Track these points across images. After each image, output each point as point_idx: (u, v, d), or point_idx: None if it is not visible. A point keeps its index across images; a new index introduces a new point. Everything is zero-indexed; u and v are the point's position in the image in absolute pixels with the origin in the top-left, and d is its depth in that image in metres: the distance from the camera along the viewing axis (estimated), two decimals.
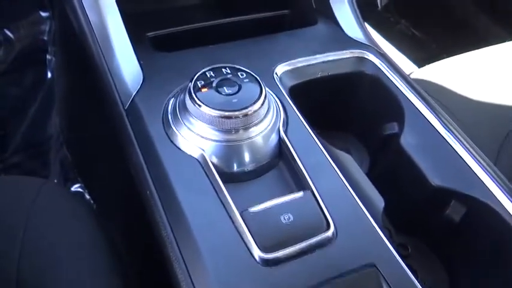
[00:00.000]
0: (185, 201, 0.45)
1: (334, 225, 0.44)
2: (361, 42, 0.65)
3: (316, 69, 0.60)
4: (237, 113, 0.46)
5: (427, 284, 0.53)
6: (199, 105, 0.46)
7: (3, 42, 1.08)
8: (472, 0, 1.37)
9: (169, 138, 0.49)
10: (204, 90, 0.48)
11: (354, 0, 0.71)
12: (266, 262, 0.41)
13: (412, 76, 0.83)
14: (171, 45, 0.60)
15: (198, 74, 0.50)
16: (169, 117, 0.50)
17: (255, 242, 0.42)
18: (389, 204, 0.52)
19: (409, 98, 0.59)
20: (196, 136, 0.48)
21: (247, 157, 0.48)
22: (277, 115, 0.51)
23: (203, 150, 0.47)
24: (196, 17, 0.70)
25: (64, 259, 0.54)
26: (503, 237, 0.49)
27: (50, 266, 0.53)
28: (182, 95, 0.49)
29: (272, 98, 0.52)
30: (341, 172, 0.48)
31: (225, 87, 0.48)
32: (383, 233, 0.46)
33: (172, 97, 0.52)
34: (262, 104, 0.47)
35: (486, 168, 0.53)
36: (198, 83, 0.49)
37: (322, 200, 0.45)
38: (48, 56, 1.09)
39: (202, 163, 0.47)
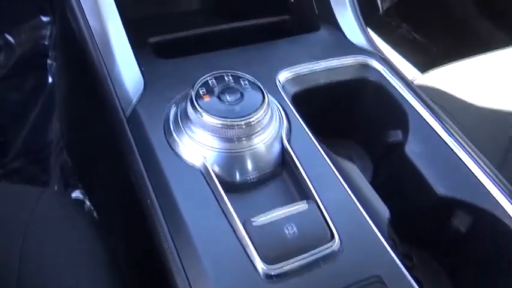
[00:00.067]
0: (186, 210, 0.45)
1: (339, 236, 0.43)
2: (364, 49, 0.64)
3: (319, 76, 0.59)
4: (239, 122, 0.45)
5: None
6: (201, 114, 0.46)
7: (3, 46, 1.08)
8: (474, 4, 1.37)
9: (170, 146, 0.48)
10: (206, 98, 0.47)
11: (357, 5, 0.70)
12: (269, 275, 0.40)
13: (415, 82, 0.83)
14: (172, 51, 0.60)
15: (200, 81, 0.49)
16: (171, 125, 0.49)
17: (258, 254, 0.41)
18: (393, 214, 0.51)
19: (413, 105, 0.58)
20: (197, 144, 0.47)
21: (249, 166, 0.47)
22: (280, 123, 0.50)
23: (205, 158, 0.46)
24: (198, 23, 0.69)
25: (63, 268, 0.53)
26: (510, 248, 0.48)
27: (49, 274, 0.53)
28: (184, 103, 0.49)
29: (275, 105, 0.51)
30: (345, 181, 0.48)
31: (227, 95, 0.48)
32: (388, 243, 0.45)
33: (173, 104, 0.51)
34: (265, 113, 0.47)
35: (492, 177, 0.52)
36: (199, 90, 0.48)
37: (326, 211, 0.45)
38: (48, 61, 1.09)
39: (204, 172, 0.46)
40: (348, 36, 0.66)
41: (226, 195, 0.45)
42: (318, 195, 0.45)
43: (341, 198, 0.46)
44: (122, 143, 0.51)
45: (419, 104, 0.58)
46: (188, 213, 0.44)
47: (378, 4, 1.36)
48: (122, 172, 0.53)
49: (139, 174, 0.49)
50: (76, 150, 0.88)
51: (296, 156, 0.48)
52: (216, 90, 0.48)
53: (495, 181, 0.51)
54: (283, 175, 0.49)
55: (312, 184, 0.46)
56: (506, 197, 0.50)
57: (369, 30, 0.71)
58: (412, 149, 0.55)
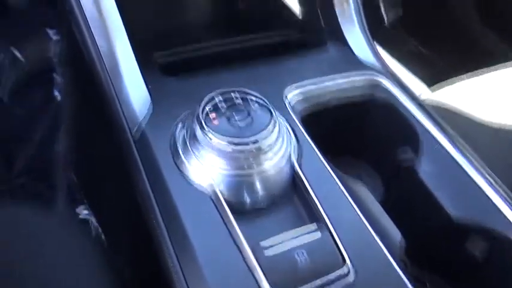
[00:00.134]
0: (194, 233, 0.44)
1: (350, 260, 0.42)
2: (373, 66, 0.64)
3: (328, 95, 0.59)
4: (248, 147, 0.44)
5: None
6: (210, 137, 0.45)
7: (11, 62, 1.08)
8: (480, 18, 1.36)
9: (177, 167, 0.48)
10: (213, 118, 0.47)
11: (364, 21, 0.70)
12: None
13: (424, 97, 0.82)
14: (179, 67, 0.60)
15: (207, 98, 0.48)
16: (178, 146, 0.49)
17: (267, 280, 0.40)
18: (405, 235, 0.50)
19: (424, 124, 0.57)
20: (205, 167, 0.46)
21: (258, 189, 0.46)
22: (288, 144, 0.49)
23: (213, 181, 0.46)
24: (204, 37, 0.69)
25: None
26: None
27: None
28: (191, 123, 0.48)
29: (284, 126, 0.51)
30: (356, 204, 0.47)
31: (235, 115, 0.47)
32: (400, 267, 0.44)
33: (181, 123, 0.51)
34: (275, 136, 0.46)
35: (506, 198, 0.51)
36: (206, 108, 0.47)
37: (337, 234, 0.44)
38: (56, 77, 1.09)
39: (212, 195, 0.46)
40: (356, 53, 0.66)
41: (234, 218, 0.44)
42: (328, 218, 0.44)
43: (352, 220, 0.46)
44: (128, 164, 0.51)
45: (430, 123, 0.58)
46: (195, 236, 0.44)
47: (382, 17, 1.36)
48: (128, 192, 0.52)
49: (146, 195, 0.48)
50: (82, 167, 0.88)
51: (306, 179, 0.47)
52: (224, 109, 0.48)
53: (509, 202, 0.50)
54: (293, 197, 0.48)
55: (322, 207, 0.45)
56: None
57: (376, 44, 0.71)
58: (423, 169, 0.54)
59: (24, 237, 0.60)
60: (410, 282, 0.43)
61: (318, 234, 0.43)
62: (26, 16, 1.07)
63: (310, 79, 0.59)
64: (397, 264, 0.44)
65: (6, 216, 0.65)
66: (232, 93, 0.49)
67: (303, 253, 0.42)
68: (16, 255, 0.54)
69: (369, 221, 0.46)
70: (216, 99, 0.48)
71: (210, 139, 0.45)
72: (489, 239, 0.49)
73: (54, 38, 1.08)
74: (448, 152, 0.55)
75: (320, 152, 0.51)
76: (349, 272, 0.42)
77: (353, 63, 0.63)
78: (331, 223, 0.44)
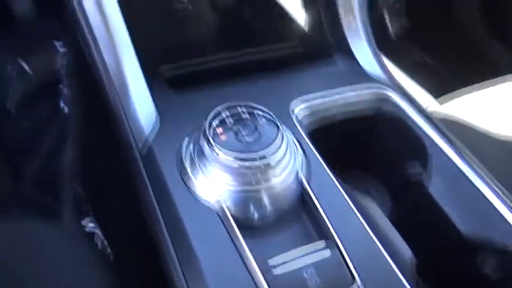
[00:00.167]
0: (200, 250, 0.44)
1: (360, 279, 0.41)
2: (380, 79, 0.63)
3: (335, 109, 0.58)
4: (256, 162, 0.44)
5: None
6: (217, 153, 0.45)
7: (18, 74, 1.09)
8: (486, 28, 1.36)
9: (184, 183, 0.48)
10: (220, 133, 0.46)
11: (371, 34, 0.69)
12: None
13: (431, 109, 0.81)
14: (186, 81, 0.59)
15: (213, 113, 0.48)
16: (185, 162, 0.48)
17: None
18: (415, 252, 0.49)
19: (432, 137, 0.57)
20: (212, 182, 0.46)
21: (266, 205, 0.46)
22: (296, 159, 0.49)
23: (220, 197, 0.45)
24: (211, 51, 0.69)
25: None
26: None
27: None
28: (198, 139, 0.48)
29: (291, 141, 0.50)
30: (365, 220, 0.46)
31: (242, 131, 0.47)
32: (411, 285, 0.43)
33: (187, 139, 0.50)
34: (283, 152, 0.46)
35: None
36: (213, 123, 0.47)
37: (346, 252, 0.43)
38: (63, 88, 1.10)
39: (219, 211, 0.45)
40: (363, 65, 0.65)
41: (241, 234, 0.43)
42: (337, 235, 0.44)
43: (361, 238, 0.45)
44: (135, 180, 0.51)
45: (438, 136, 0.57)
46: (202, 253, 0.43)
47: (387, 28, 1.36)
48: (135, 207, 0.52)
49: (153, 211, 0.48)
50: (89, 179, 0.88)
51: (314, 194, 0.47)
52: (231, 124, 0.47)
53: None
54: (301, 213, 0.48)
55: (331, 223, 0.45)
56: None
57: (384, 57, 0.70)
58: (433, 184, 0.54)
59: (30, 248, 0.60)
60: None
61: (327, 253, 0.42)
62: (33, 28, 1.08)
63: (317, 92, 0.59)
64: (408, 282, 0.43)
65: (13, 228, 0.65)
66: (238, 108, 0.49)
67: (312, 271, 0.41)
68: (21, 267, 0.54)
69: (379, 237, 0.45)
70: (223, 114, 0.48)
71: (217, 154, 0.45)
72: (501, 254, 0.49)
73: (61, 50, 1.09)
74: (456, 166, 0.55)
75: (328, 167, 0.51)
76: None
77: (360, 76, 0.63)
78: (340, 240, 0.43)
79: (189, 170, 0.47)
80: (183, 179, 0.48)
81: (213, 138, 0.46)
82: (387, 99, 0.61)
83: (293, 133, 0.53)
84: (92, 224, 0.92)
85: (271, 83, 0.61)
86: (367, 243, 0.45)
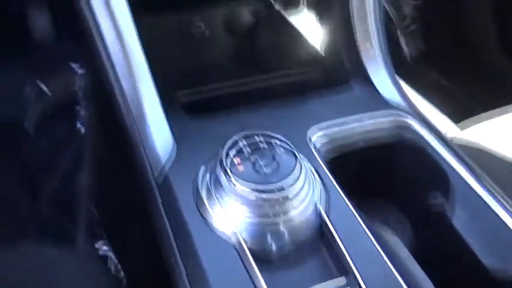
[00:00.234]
0: (216, 283, 0.42)
1: None
2: (398, 105, 0.62)
3: (354, 137, 0.57)
4: (274, 194, 0.43)
5: None
6: (234, 184, 0.44)
7: (36, 95, 1.10)
8: (502, 50, 1.35)
9: (200, 214, 0.47)
10: (238, 164, 0.46)
11: (389, 59, 0.69)
12: None
13: (451, 135, 0.80)
14: (202, 106, 0.59)
15: (230, 142, 0.48)
16: (201, 192, 0.48)
17: None
18: (437, 287, 0.47)
19: (454, 166, 0.55)
20: (229, 214, 0.45)
21: (283, 238, 0.45)
22: (314, 190, 0.48)
23: (237, 229, 0.44)
24: (227, 76, 0.69)
25: None
26: None
27: None
28: (215, 168, 0.47)
29: (310, 171, 0.49)
30: (386, 254, 0.45)
31: (260, 161, 0.46)
32: None
33: (204, 168, 0.50)
34: (302, 184, 0.45)
35: None
36: (230, 152, 0.47)
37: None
38: (80, 110, 1.11)
39: (236, 244, 0.44)
40: (381, 92, 0.64)
41: (259, 268, 0.42)
42: (358, 271, 0.43)
43: (383, 274, 0.43)
44: (150, 208, 0.50)
45: (460, 165, 0.56)
46: (218, 287, 0.42)
47: (403, 50, 1.35)
48: (150, 235, 0.52)
49: (168, 242, 0.47)
50: (104, 202, 0.88)
51: (333, 227, 0.46)
52: (248, 153, 0.47)
53: None
54: (320, 246, 0.46)
55: (351, 258, 0.43)
56: None
57: (400, 79, 0.69)
58: (455, 215, 0.52)
59: (44, 270, 0.60)
60: None
61: None
62: (52, 50, 1.10)
63: (335, 120, 0.58)
64: None
65: (29, 249, 0.65)
66: (256, 137, 0.48)
67: None
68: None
69: (400, 273, 0.44)
70: (240, 143, 0.47)
71: (234, 185, 0.44)
72: None
73: (79, 71, 1.10)
74: (479, 196, 0.53)
75: (347, 197, 0.50)
76: None
77: (378, 102, 0.62)
78: (361, 277, 0.42)
79: (205, 200, 0.47)
80: (199, 210, 0.47)
81: (230, 169, 0.45)
82: (407, 127, 0.60)
83: (311, 162, 0.52)
84: (105, 247, 0.92)
85: (288, 109, 0.61)
86: (389, 280, 0.43)
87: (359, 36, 0.66)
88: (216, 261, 0.44)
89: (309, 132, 0.56)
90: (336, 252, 0.44)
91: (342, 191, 0.50)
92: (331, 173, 0.52)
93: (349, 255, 0.43)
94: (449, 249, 0.52)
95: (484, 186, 0.54)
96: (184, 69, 0.72)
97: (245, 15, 0.77)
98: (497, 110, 0.85)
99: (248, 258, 0.43)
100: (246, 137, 0.48)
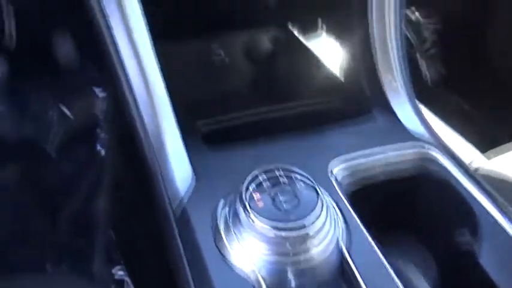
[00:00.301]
0: None
1: None
2: (422, 136, 0.61)
3: (376, 171, 0.56)
4: (294, 233, 0.42)
5: None
6: (253, 221, 0.43)
7: (58, 118, 1.12)
8: None
9: (218, 249, 0.46)
10: (258, 200, 0.45)
11: (411, 89, 0.67)
12: None
13: (475, 165, 0.77)
14: (222, 136, 0.59)
15: (250, 177, 0.47)
16: (220, 227, 0.47)
17: None
18: None
19: (481, 202, 0.53)
20: (247, 251, 0.44)
21: (303, 277, 0.43)
22: (336, 227, 0.46)
23: (256, 267, 0.43)
24: (247, 105, 0.68)
25: None
26: None
27: None
28: (234, 202, 0.46)
29: (331, 206, 0.48)
30: None
31: (280, 196, 0.45)
32: None
33: (223, 203, 0.49)
34: (323, 222, 0.43)
35: None
36: (250, 187, 0.46)
37: None
38: (102, 134, 1.12)
39: (254, 281, 0.43)
40: (404, 122, 0.63)
41: None
42: None
43: None
44: (167, 240, 0.49)
45: (488, 200, 0.53)
46: None
47: (424, 75, 1.34)
48: (166, 265, 0.51)
49: (185, 276, 0.46)
50: (122, 227, 0.88)
51: (355, 265, 0.44)
52: (268, 188, 0.46)
53: None
54: (341, 285, 0.45)
55: None
56: None
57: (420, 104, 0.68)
58: (482, 253, 0.50)
59: None
60: None
61: None
62: (75, 76, 1.12)
63: (357, 152, 0.57)
64: None
65: (48, 270, 0.65)
66: (276, 171, 0.47)
67: None
68: None
69: None
70: (260, 178, 0.47)
71: (253, 222, 0.43)
72: None
73: (101, 95, 1.12)
74: (507, 232, 0.51)
75: (369, 232, 0.48)
76: None
77: (400, 133, 0.61)
78: None
79: (223, 235, 0.46)
80: (217, 245, 0.46)
81: (249, 204, 0.44)
82: (431, 159, 0.58)
83: (332, 195, 0.51)
84: (121, 272, 0.91)
85: (309, 140, 0.60)
86: None
87: (380, 65, 0.65)
88: None
89: (331, 165, 0.55)
90: None
91: (364, 226, 0.49)
92: (353, 207, 0.50)
93: None
94: None
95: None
96: (204, 97, 0.72)
97: (264, 42, 0.77)
98: None
99: None
100: (266, 172, 0.47)
